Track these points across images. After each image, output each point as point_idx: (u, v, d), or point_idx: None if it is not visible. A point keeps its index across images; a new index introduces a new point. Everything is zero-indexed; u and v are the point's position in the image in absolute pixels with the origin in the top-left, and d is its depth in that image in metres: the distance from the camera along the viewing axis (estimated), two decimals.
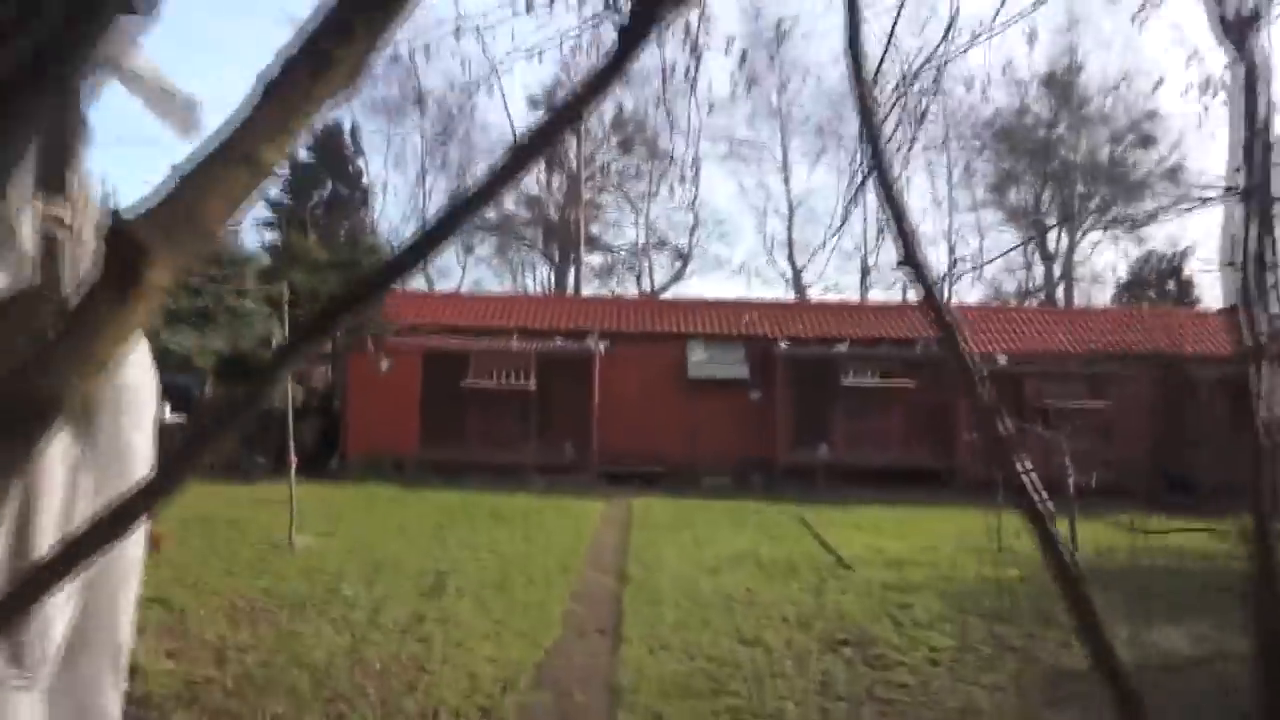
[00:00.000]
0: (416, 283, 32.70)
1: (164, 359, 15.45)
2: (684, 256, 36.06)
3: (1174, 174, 37.36)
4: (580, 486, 16.49)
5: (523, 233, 38.99)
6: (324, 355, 20.45)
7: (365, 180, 24.68)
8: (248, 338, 15.54)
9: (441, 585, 8.34)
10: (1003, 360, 17.81)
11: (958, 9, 3.91)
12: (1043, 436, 11.79)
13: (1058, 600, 1.14)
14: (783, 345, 17.84)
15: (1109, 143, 38.67)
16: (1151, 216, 38.39)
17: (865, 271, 35.31)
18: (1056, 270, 38.40)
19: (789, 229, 36.62)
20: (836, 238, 35.88)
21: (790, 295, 34.43)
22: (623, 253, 38.82)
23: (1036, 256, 39.02)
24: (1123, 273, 34.29)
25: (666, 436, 18.08)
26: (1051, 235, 38.83)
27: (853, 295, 33.91)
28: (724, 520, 13.33)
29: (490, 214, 38.99)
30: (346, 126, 21.70)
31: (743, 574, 9.47)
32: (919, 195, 37.81)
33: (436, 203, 37.62)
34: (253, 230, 19.23)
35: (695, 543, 11.28)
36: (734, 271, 39.93)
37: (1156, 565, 10.58)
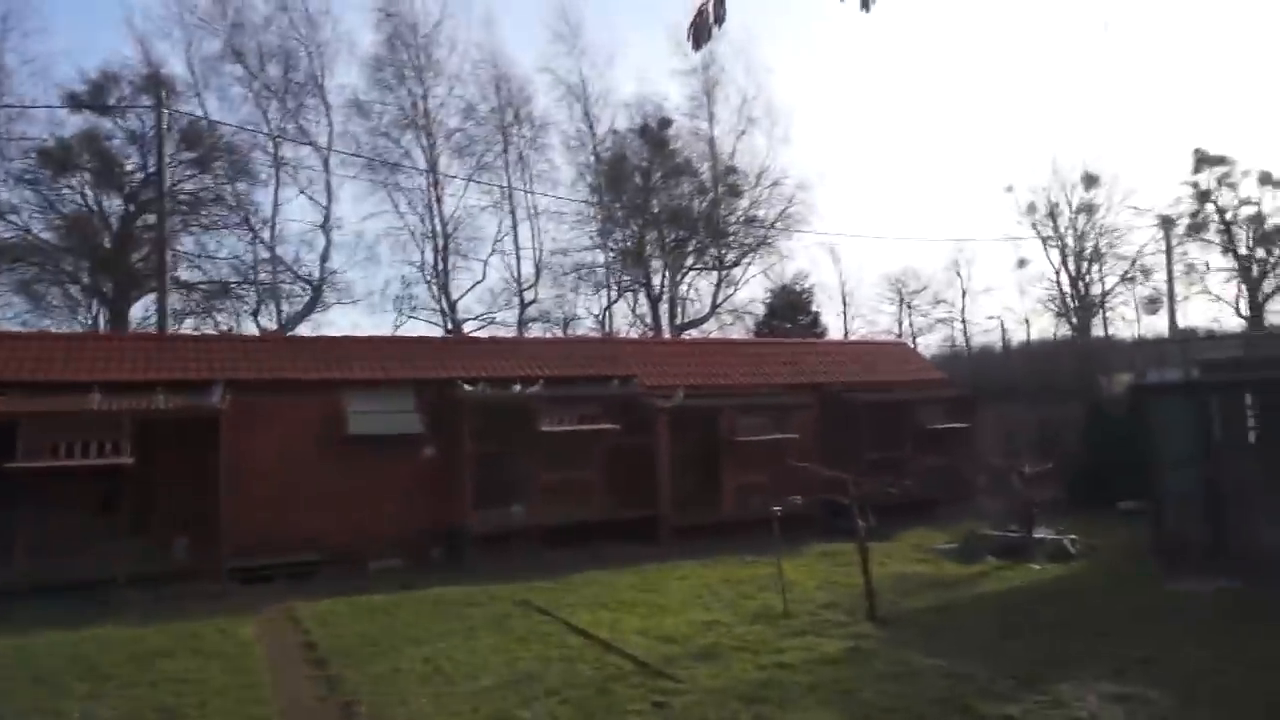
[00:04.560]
0: None
1: None
2: (315, 286, 30.42)
3: (752, 222, 41.49)
4: (205, 598, 11.74)
5: (62, 262, 30.26)
6: None
7: None
8: None
9: None
10: (682, 395, 16.86)
11: None
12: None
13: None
14: (467, 388, 14.86)
15: (698, 192, 41.46)
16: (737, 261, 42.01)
17: (526, 303, 33.15)
18: (664, 309, 39.89)
19: (442, 257, 32.71)
20: (491, 269, 33.32)
21: (440, 331, 30.89)
22: (201, 288, 32.06)
23: (644, 297, 40.27)
24: (761, 307, 36.29)
25: (320, 513, 13.97)
26: (655, 277, 40.41)
27: (509, 333, 31.45)
28: (442, 623, 10.05)
29: (9, 235, 29.82)
30: None
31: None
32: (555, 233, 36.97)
33: None
34: None
35: (436, 670, 7.98)
36: (379, 303, 34.27)
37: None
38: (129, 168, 31.24)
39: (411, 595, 11.71)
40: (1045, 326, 44.05)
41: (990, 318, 62.50)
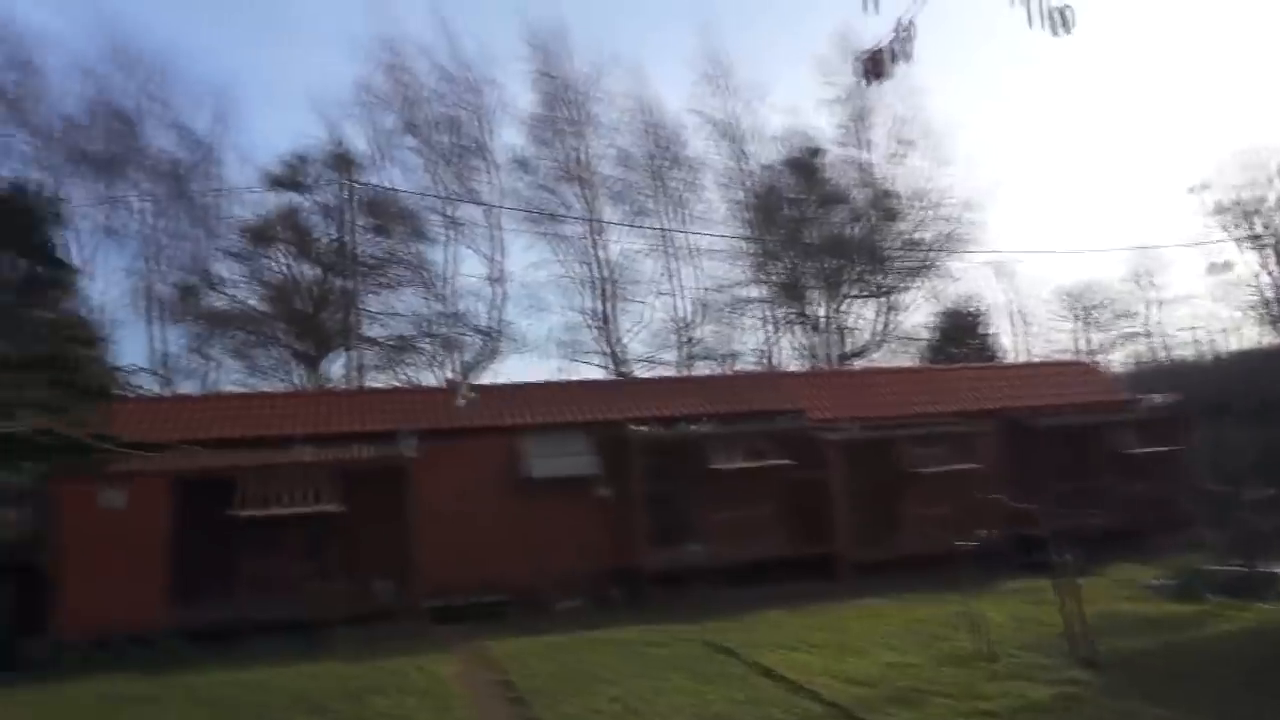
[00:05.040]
0: (146, 384, 26.62)
1: None
2: (489, 336, 32.21)
3: (913, 245, 40.08)
4: (405, 637, 12.47)
5: (272, 328, 33.41)
6: (13, 492, 14.82)
7: (69, 256, 19.16)
8: None
9: None
10: (857, 428, 16.41)
11: None
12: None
13: None
14: (637, 429, 15.16)
15: (853, 219, 40.51)
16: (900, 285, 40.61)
17: (689, 342, 33.64)
18: (827, 338, 39.07)
19: (604, 301, 33.70)
20: (652, 310, 34.11)
21: (606, 374, 31.80)
22: (389, 345, 34.42)
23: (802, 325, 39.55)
24: (928, 333, 35.13)
25: (504, 555, 14.57)
26: (816, 307, 39.67)
27: (673, 371, 31.99)
28: (629, 664, 10.16)
29: (224, 306, 33.38)
30: (37, 185, 16.40)
31: None
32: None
33: (168, 281, 31.67)
34: None
35: (627, 709, 8.09)
36: (548, 349, 35.72)
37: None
38: (319, 236, 34.32)
39: (596, 635, 11.92)
40: (1252, 335, 39.81)
41: (1185, 329, 57.08)
